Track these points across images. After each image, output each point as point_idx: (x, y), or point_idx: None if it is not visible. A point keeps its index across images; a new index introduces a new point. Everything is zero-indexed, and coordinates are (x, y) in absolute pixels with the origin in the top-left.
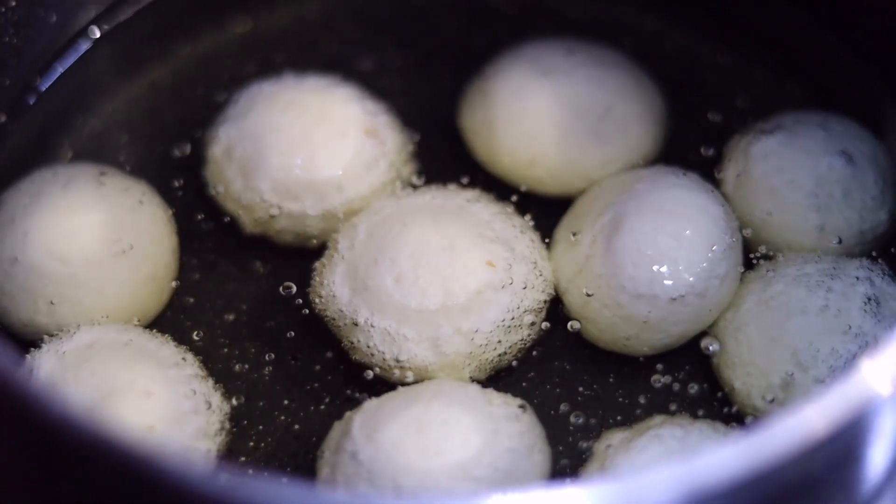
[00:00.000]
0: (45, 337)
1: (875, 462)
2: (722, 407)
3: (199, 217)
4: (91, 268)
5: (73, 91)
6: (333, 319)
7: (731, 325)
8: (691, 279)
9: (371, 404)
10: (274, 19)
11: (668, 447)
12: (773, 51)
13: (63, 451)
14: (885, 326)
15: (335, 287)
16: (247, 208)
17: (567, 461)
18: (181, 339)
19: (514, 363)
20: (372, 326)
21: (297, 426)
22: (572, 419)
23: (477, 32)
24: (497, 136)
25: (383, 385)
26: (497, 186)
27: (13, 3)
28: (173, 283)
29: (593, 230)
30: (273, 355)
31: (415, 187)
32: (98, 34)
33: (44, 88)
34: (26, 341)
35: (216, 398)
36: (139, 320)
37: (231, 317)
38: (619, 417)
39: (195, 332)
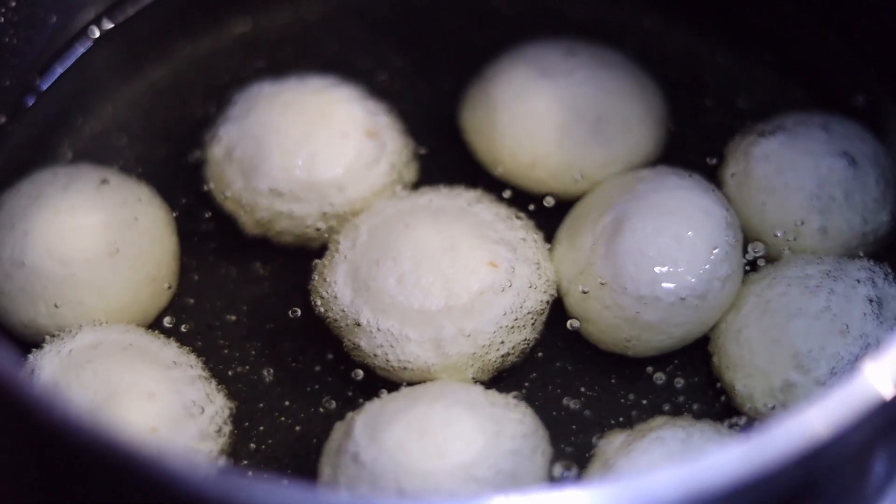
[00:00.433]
0: (48, 337)
1: (877, 464)
2: (723, 409)
3: (200, 218)
4: (91, 269)
5: (74, 92)
6: (335, 320)
7: (732, 326)
8: (693, 280)
9: (373, 405)
10: (274, 20)
11: (670, 449)
12: (775, 51)
13: (64, 452)
14: (887, 328)
15: (337, 288)
16: (247, 209)
17: (569, 463)
18: (181, 340)
19: (517, 364)
20: (374, 327)
21: (298, 427)
22: (574, 420)
23: (478, 33)
24: (498, 137)
25: (385, 386)
26: (498, 187)
27: (13, 4)
28: (174, 285)
29: (595, 231)
30: (274, 356)
31: (416, 188)
32: (98, 35)
33: (44, 89)
34: (26, 343)
35: (218, 399)
36: (139, 322)
37: (232, 318)
38: (620, 419)
39: (195, 334)
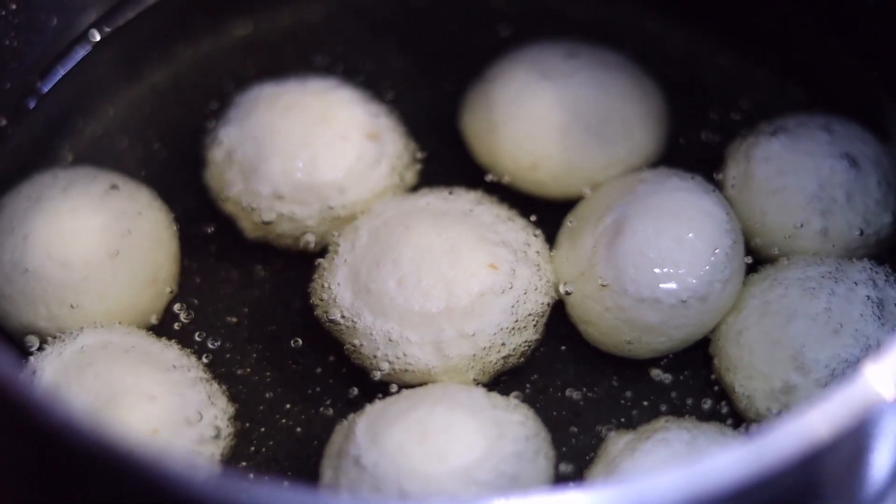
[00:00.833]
0: (49, 339)
1: (879, 465)
2: (724, 411)
3: (201, 220)
4: (91, 271)
5: (74, 94)
6: (335, 323)
7: (733, 328)
8: (694, 282)
9: (374, 408)
10: (275, 22)
11: (675, 450)
12: (776, 53)
13: (65, 454)
14: (888, 329)
15: (337, 290)
16: (248, 211)
17: (571, 464)
18: (182, 342)
19: (518, 366)
20: (374, 329)
21: (298, 429)
22: (576, 422)
23: (478, 35)
24: (498, 139)
25: (386, 389)
26: (499, 189)
27: (13, 6)
28: (174, 287)
29: (595, 233)
30: (275, 359)
31: (416, 190)
32: (99, 37)
33: (44, 91)
34: (27, 345)
35: (219, 402)
36: (139, 324)
37: (232, 320)
38: (622, 420)
39: (196, 336)
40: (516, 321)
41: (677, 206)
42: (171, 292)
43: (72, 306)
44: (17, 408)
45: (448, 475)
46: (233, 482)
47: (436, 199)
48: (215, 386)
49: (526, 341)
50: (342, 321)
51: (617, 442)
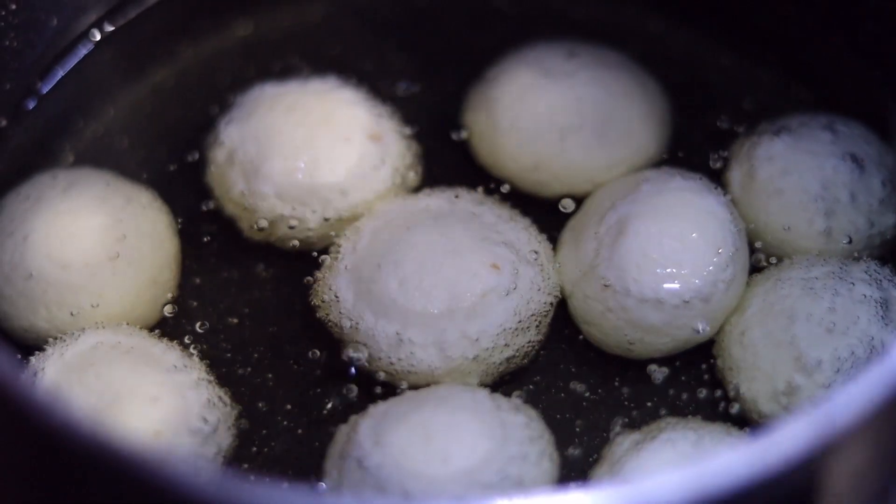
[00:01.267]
0: (50, 340)
1: (882, 466)
2: (727, 411)
3: (202, 221)
4: (92, 273)
5: (75, 94)
6: (337, 324)
7: (736, 328)
8: (697, 283)
9: (377, 409)
10: (276, 22)
11: (680, 450)
12: (779, 53)
13: (66, 456)
14: (891, 330)
15: (339, 291)
16: (249, 212)
17: (575, 466)
18: (183, 344)
19: (521, 367)
20: (376, 330)
21: (300, 431)
22: (580, 423)
23: (480, 35)
24: (500, 140)
25: (389, 390)
26: (501, 189)
27: (13, 7)
28: (175, 288)
29: (598, 233)
30: (276, 360)
31: (418, 191)
32: (99, 37)
33: (45, 92)
34: (27, 346)
35: (222, 403)
36: (140, 325)
37: (234, 321)
38: (626, 420)
39: (197, 337)
40: (519, 321)
41: (680, 206)
42: (172, 293)
43: (72, 308)
44: (18, 409)
45: (451, 477)
46: (234, 483)
47: (437, 200)
48: (217, 387)
49: (529, 342)
50: (344, 322)
51: (622, 442)
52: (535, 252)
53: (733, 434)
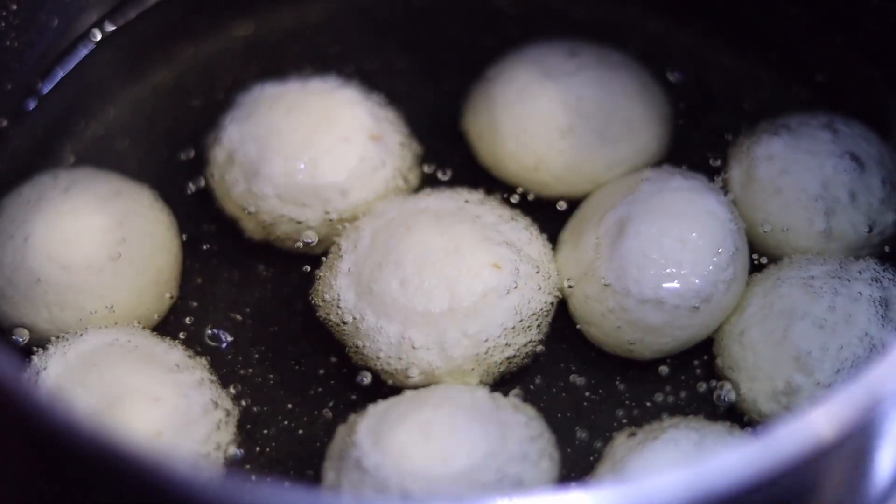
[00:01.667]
0: (53, 339)
1: (883, 466)
2: (727, 411)
3: (202, 221)
4: (93, 273)
5: (75, 95)
6: (338, 323)
7: (736, 328)
8: (697, 283)
9: (377, 409)
10: (277, 22)
11: (683, 450)
12: (779, 52)
13: (67, 456)
14: (891, 329)
15: (340, 291)
16: (249, 212)
17: (575, 465)
18: (184, 343)
19: (522, 366)
20: (377, 330)
21: (301, 431)
22: (580, 423)
23: (481, 34)
24: (501, 140)
25: (389, 390)
26: (502, 189)
27: (14, 7)
28: (175, 289)
29: (598, 233)
30: (277, 360)
31: (419, 190)
32: (99, 38)
33: (45, 92)
34: (28, 347)
35: (224, 403)
36: (141, 325)
37: (234, 321)
38: (625, 421)
39: (198, 337)
40: (520, 321)
41: (680, 206)
42: (173, 293)
43: (73, 308)
44: (19, 409)
45: (451, 477)
46: (235, 483)
47: (438, 200)
48: (219, 387)
49: (530, 341)
50: (345, 322)
51: (624, 442)
52: (536, 252)
53: (735, 433)
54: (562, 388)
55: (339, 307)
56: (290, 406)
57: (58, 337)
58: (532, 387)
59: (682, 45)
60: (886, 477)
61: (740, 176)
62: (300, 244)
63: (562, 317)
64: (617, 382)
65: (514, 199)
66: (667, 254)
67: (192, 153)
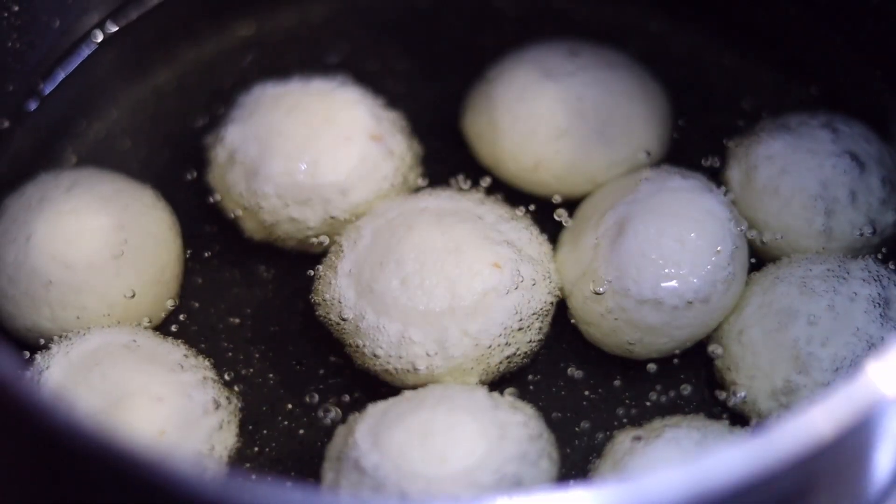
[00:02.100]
0: (55, 339)
1: (882, 464)
2: (727, 410)
3: (204, 221)
4: (95, 272)
5: (77, 96)
6: (338, 323)
7: (735, 327)
8: (696, 283)
9: (375, 409)
10: (278, 22)
11: (684, 449)
12: (779, 52)
13: (68, 455)
14: (890, 328)
15: (340, 290)
16: (250, 212)
17: (575, 465)
18: (185, 343)
19: (522, 366)
20: (377, 329)
21: (301, 431)
22: (579, 423)
23: (481, 35)
24: (501, 140)
25: (389, 389)
26: (502, 189)
27: (16, 8)
28: (177, 288)
29: (597, 233)
30: (278, 359)
31: (419, 190)
32: (101, 38)
33: (47, 93)
34: (30, 347)
35: (226, 402)
36: (143, 325)
37: (235, 321)
38: (625, 420)
39: (199, 337)
40: (520, 320)
41: (679, 206)
42: (174, 293)
43: (75, 307)
44: (21, 408)
45: (449, 477)
46: (236, 483)
47: (438, 199)
48: (221, 386)
49: (530, 341)
50: (345, 321)
51: (625, 441)
52: (536, 251)
53: (735, 432)
54: (561, 388)
55: (340, 306)
56: (289, 406)
57: (60, 336)
58: (531, 386)
59: (682, 45)
60: (885, 475)
61: (740, 176)
62: (301, 243)
63: (562, 316)
64: (616, 382)
65: (514, 198)
66: (666, 254)
67: (193, 153)
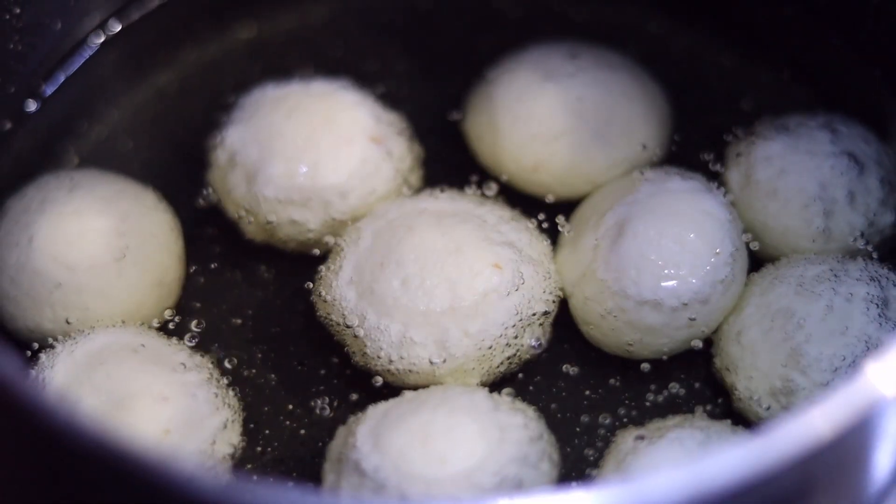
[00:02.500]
0: (60, 339)
1: (880, 464)
2: (726, 410)
3: (205, 223)
4: (96, 274)
5: (78, 97)
6: (339, 324)
7: (734, 327)
8: (696, 284)
9: (376, 411)
10: (279, 24)
11: (688, 449)
12: (778, 53)
13: (71, 456)
14: (889, 328)
15: (341, 291)
16: (251, 214)
17: (576, 466)
18: (186, 344)
19: (522, 367)
20: (378, 330)
21: (302, 431)
22: (579, 424)
23: (481, 36)
24: (501, 141)
25: (390, 390)
26: (502, 190)
27: (17, 10)
28: (178, 290)
29: (597, 234)
30: (279, 360)
31: (420, 192)
32: (103, 40)
33: (48, 95)
34: (32, 347)
35: (230, 402)
36: (145, 325)
37: (237, 322)
38: (625, 421)
39: (200, 338)
40: (521, 321)
41: (679, 207)
42: (176, 294)
43: (77, 308)
44: (24, 409)
45: (449, 479)
46: (237, 483)
47: (439, 201)
48: (224, 386)
49: (530, 341)
50: (346, 322)
51: (628, 441)
52: (537, 252)
53: (738, 433)
54: (562, 389)
55: (341, 307)
56: (291, 406)
57: (64, 336)
58: (532, 387)
59: (682, 45)
60: (884, 475)
61: (739, 176)
62: (302, 245)
63: (562, 317)
64: (616, 383)
65: (514, 199)
66: (665, 255)
67: (194, 155)
